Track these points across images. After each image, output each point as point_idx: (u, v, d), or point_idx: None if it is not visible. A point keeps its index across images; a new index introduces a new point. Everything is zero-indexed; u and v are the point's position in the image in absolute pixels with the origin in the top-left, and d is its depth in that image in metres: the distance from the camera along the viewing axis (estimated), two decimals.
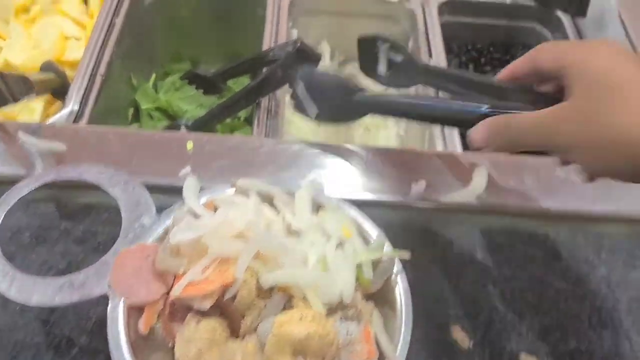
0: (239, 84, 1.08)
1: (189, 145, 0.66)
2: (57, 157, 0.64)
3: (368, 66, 0.73)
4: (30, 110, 0.85)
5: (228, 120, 0.96)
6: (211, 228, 0.50)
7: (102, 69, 0.84)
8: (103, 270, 0.51)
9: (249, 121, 1.00)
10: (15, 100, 0.71)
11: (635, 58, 0.44)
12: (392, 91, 0.76)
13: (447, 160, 0.69)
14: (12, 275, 0.50)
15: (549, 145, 0.47)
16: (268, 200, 0.57)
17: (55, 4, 0.96)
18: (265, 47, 0.94)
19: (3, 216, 0.53)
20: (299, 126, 1.03)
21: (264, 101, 0.84)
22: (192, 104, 1.09)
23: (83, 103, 0.79)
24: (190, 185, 0.57)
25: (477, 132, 0.51)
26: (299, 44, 0.74)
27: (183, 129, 0.92)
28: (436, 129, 0.84)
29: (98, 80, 0.83)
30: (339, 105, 0.64)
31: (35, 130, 0.65)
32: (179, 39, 1.11)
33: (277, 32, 0.96)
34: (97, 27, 0.88)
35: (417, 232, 0.66)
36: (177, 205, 0.55)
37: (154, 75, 1.07)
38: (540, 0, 0.98)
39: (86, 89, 0.81)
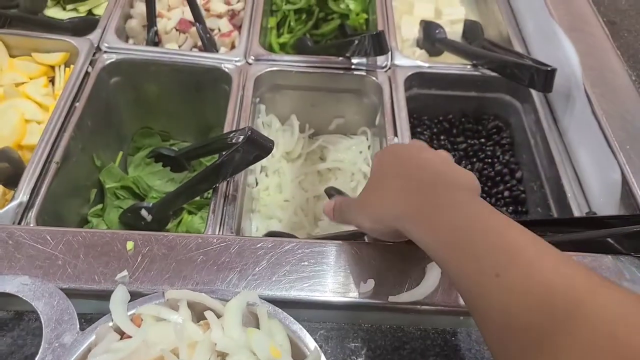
0: (210, 159, 1.07)
1: (129, 245, 0.63)
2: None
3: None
4: None
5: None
6: (129, 352, 0.47)
7: (58, 155, 0.83)
8: None
9: None
10: None
11: (400, 154, 0.62)
12: None
13: (398, 253, 0.66)
14: None
15: (349, 221, 0.65)
16: (203, 309, 0.55)
17: (18, 86, 0.96)
18: (228, 124, 0.93)
19: None
20: (266, 203, 1.01)
21: (222, 186, 0.83)
22: (163, 178, 1.08)
23: (34, 193, 0.77)
24: (117, 297, 0.54)
25: (326, 208, 0.70)
26: (249, 133, 0.73)
27: (144, 212, 0.90)
28: None
29: (52, 167, 0.82)
30: None
31: None
32: (148, 114, 1.11)
33: (241, 108, 0.95)
34: (55, 113, 0.87)
35: (365, 336, 0.62)
36: (103, 320, 0.53)
37: (120, 154, 1.06)
38: (508, 75, 0.97)
39: (39, 178, 0.79)
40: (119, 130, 1.08)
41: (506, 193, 1.00)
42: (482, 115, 1.09)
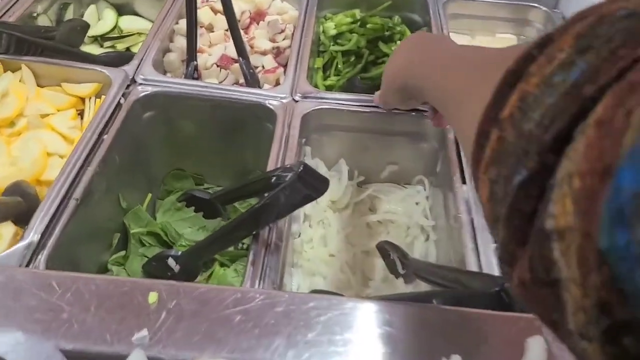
0: (246, 204, 0.96)
1: (152, 297, 0.51)
2: None
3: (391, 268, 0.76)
4: None
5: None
6: None
7: (79, 192, 0.73)
8: None
9: None
10: None
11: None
12: None
13: (490, 323, 0.52)
14: None
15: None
16: None
17: (44, 117, 0.87)
18: (271, 165, 0.82)
19: None
20: (309, 257, 0.89)
21: (263, 233, 0.70)
22: (194, 225, 0.96)
23: (47, 233, 0.66)
24: None
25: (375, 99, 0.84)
26: (301, 168, 0.61)
27: (171, 261, 0.78)
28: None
29: (71, 205, 0.71)
30: None
31: None
32: (181, 155, 1.01)
33: (285, 149, 0.84)
34: (80, 144, 0.78)
35: None
36: None
37: (149, 196, 0.96)
38: None
39: (54, 215, 0.68)
40: (149, 170, 0.98)
41: None
42: None
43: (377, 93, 0.83)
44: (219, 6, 1.15)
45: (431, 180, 0.96)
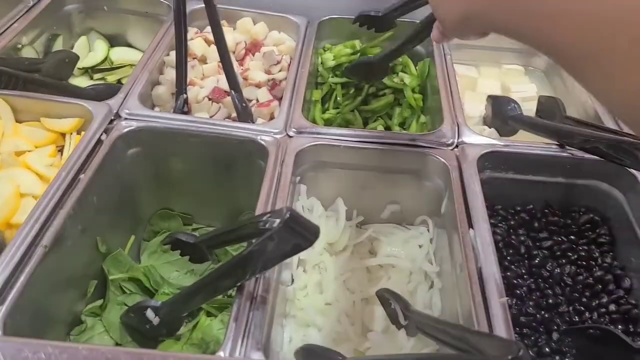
0: (239, 247, 0.89)
1: None
2: None
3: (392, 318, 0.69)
4: None
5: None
6: None
7: (49, 237, 0.67)
8: None
9: None
10: None
11: None
12: None
13: None
14: None
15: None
16: None
17: (20, 155, 0.82)
18: (261, 207, 0.75)
19: None
20: (303, 306, 0.81)
21: (248, 284, 0.64)
22: (182, 269, 0.90)
23: (8, 286, 0.60)
24: None
25: (435, 36, 0.66)
26: (287, 215, 0.55)
27: (150, 313, 0.71)
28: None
29: (39, 252, 0.65)
30: None
31: None
32: (169, 194, 0.95)
33: (277, 188, 0.78)
34: (54, 184, 0.72)
35: None
36: None
37: (132, 238, 0.89)
38: (606, 155, 0.78)
39: (18, 265, 0.62)
40: (134, 211, 0.92)
41: (612, 307, 0.77)
42: (571, 206, 0.89)
43: (434, 32, 0.68)
44: (212, 37, 1.11)
45: (435, 221, 0.89)
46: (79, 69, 1.16)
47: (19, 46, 1.04)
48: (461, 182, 0.80)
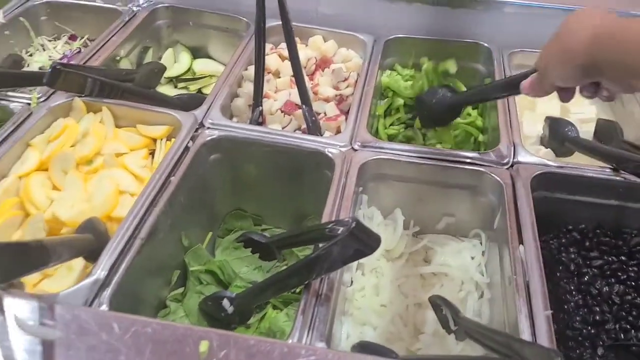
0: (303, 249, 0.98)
1: (203, 346, 0.53)
2: (47, 344, 0.54)
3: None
4: (69, 268, 0.79)
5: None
6: None
7: (144, 232, 0.77)
8: None
9: None
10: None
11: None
12: None
13: None
14: None
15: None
16: None
17: (118, 156, 0.93)
18: (327, 214, 0.83)
19: None
20: (360, 306, 0.89)
21: (315, 283, 0.72)
22: (250, 265, 1.00)
23: (113, 270, 0.71)
24: None
25: (526, 85, 0.76)
26: (353, 225, 0.63)
27: (225, 302, 0.81)
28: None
29: (137, 244, 0.76)
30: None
31: (35, 309, 0.56)
32: (243, 196, 1.05)
33: (342, 198, 0.86)
34: (149, 185, 0.83)
35: None
36: None
37: (209, 234, 1.00)
38: None
39: (120, 253, 0.73)
40: (211, 210, 1.02)
41: None
42: (623, 228, 0.92)
43: (527, 81, 0.76)
44: (286, 53, 1.20)
45: (488, 235, 0.95)
46: (165, 78, 1.28)
47: (118, 58, 1.17)
48: (514, 200, 0.86)
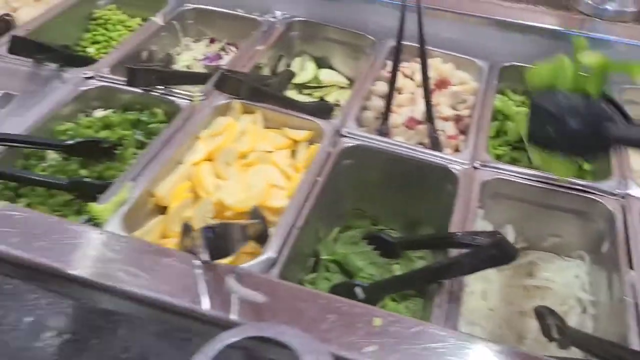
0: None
1: (377, 321, 0.66)
2: (254, 307, 0.68)
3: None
4: None
5: None
6: None
7: (300, 222, 0.91)
8: None
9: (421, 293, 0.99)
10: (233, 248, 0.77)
11: None
12: None
13: None
14: None
15: None
16: None
17: (269, 154, 1.08)
18: (454, 224, 0.94)
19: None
20: (470, 307, 1.00)
21: (447, 283, 0.84)
22: (365, 260, 1.12)
23: (279, 252, 0.85)
24: None
25: None
26: (499, 237, 0.74)
27: (358, 290, 0.94)
28: None
29: (294, 232, 0.90)
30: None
31: (239, 276, 0.70)
32: (364, 198, 1.18)
33: (467, 210, 0.97)
34: (303, 184, 0.97)
35: None
36: None
37: (336, 229, 1.13)
38: None
39: (285, 239, 0.87)
40: (338, 208, 1.15)
41: None
42: None
43: None
44: (408, 71, 1.32)
45: (592, 258, 1.04)
46: (291, 84, 1.43)
47: (260, 65, 1.32)
48: (625, 229, 0.94)
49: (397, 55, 1.13)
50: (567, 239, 1.07)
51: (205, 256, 0.65)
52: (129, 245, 0.74)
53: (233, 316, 0.67)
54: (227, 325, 0.65)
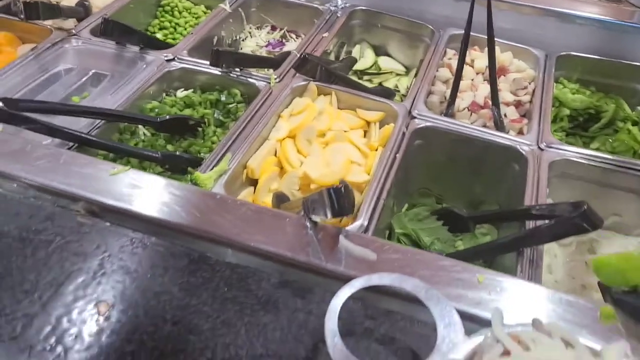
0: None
1: (480, 278, 0.73)
2: (363, 262, 0.74)
3: None
4: None
5: None
6: None
7: (383, 194, 0.98)
8: None
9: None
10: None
11: None
12: None
13: None
14: None
15: None
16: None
17: (346, 133, 1.14)
18: (527, 201, 1.00)
19: (338, 310, 0.63)
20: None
21: (527, 251, 0.90)
22: (431, 236, 1.18)
23: (369, 220, 0.92)
24: (497, 316, 0.62)
25: None
26: (585, 207, 0.80)
27: None
28: None
29: (380, 204, 0.96)
30: None
31: (349, 236, 0.77)
32: (430, 177, 1.24)
33: (537, 188, 1.03)
34: (382, 161, 1.03)
35: None
36: (484, 332, 0.61)
37: (406, 205, 1.20)
38: None
39: (372, 210, 0.94)
40: (407, 186, 1.22)
41: None
42: None
43: None
44: (467, 59, 1.38)
45: None
46: (352, 70, 1.49)
47: (328, 51, 1.39)
48: None
49: (466, 43, 1.19)
50: (627, 218, 1.13)
51: (329, 214, 0.72)
52: (248, 208, 0.81)
53: (347, 270, 0.73)
54: (342, 278, 0.72)
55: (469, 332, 0.61)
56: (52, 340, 0.64)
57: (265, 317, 0.69)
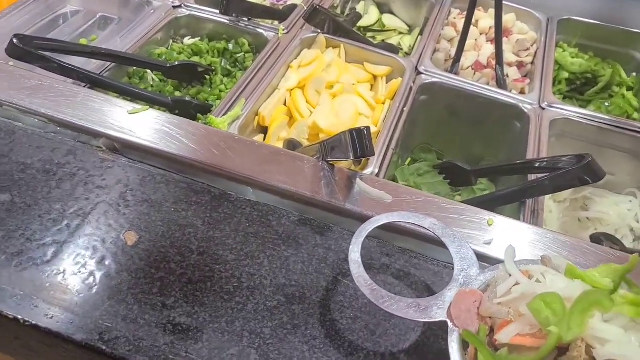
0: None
1: (490, 221, 0.77)
2: (381, 205, 0.78)
3: None
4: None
5: None
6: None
7: (393, 144, 1.01)
8: (440, 302, 0.61)
9: None
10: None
11: None
12: None
13: None
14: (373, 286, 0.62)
15: None
16: None
17: (353, 86, 1.16)
18: (529, 154, 1.04)
19: (361, 244, 0.66)
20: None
21: (529, 201, 0.94)
22: (431, 190, 1.22)
23: (380, 168, 0.95)
24: (510, 253, 0.66)
25: None
26: (589, 159, 0.84)
27: None
28: None
29: (390, 153, 0.99)
30: None
31: (365, 179, 0.80)
32: (432, 133, 1.27)
33: (539, 144, 1.07)
34: (391, 113, 1.06)
35: None
36: (498, 267, 0.65)
37: (409, 159, 1.23)
38: None
39: (382, 158, 0.96)
40: (411, 140, 1.25)
41: None
42: None
43: None
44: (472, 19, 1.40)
45: None
46: (356, 26, 1.49)
47: (335, 5, 1.39)
48: None
49: (474, 2, 1.20)
50: (620, 177, 1.18)
51: (350, 155, 0.74)
52: (267, 149, 0.83)
53: (364, 210, 0.76)
54: (360, 218, 0.75)
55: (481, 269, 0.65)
56: (84, 264, 0.66)
57: (286, 251, 0.72)
